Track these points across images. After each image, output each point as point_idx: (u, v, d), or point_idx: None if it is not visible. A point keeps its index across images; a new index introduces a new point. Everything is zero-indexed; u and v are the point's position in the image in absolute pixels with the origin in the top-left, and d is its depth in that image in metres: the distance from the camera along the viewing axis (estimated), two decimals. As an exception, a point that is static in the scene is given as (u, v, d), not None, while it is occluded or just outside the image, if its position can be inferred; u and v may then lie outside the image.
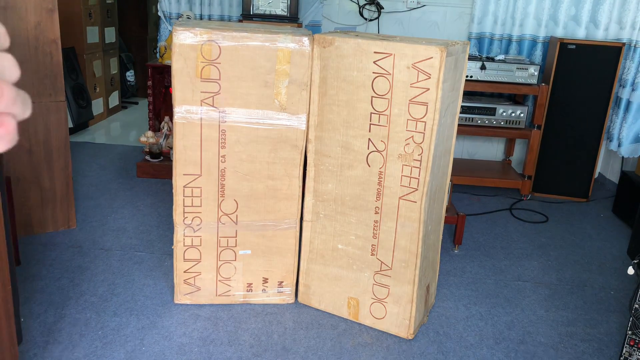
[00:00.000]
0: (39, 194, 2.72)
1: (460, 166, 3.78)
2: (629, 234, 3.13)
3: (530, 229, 3.20)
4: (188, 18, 3.81)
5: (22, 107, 0.54)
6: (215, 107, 2.01)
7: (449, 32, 3.92)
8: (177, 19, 3.95)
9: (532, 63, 3.49)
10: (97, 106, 4.96)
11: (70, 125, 4.38)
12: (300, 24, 3.57)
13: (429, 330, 2.18)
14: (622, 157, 3.74)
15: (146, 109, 4.18)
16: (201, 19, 3.97)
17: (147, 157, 3.71)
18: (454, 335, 2.17)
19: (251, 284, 2.25)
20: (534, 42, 3.75)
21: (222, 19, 3.98)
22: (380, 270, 2.10)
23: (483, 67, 3.45)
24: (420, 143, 1.91)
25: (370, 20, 3.92)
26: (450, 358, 2.03)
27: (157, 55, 4.14)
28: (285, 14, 3.51)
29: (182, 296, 2.23)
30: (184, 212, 2.11)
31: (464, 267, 2.71)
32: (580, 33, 3.64)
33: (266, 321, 2.18)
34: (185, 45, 1.92)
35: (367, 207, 2.06)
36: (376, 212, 2.05)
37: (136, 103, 5.81)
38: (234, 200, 2.12)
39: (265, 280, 2.25)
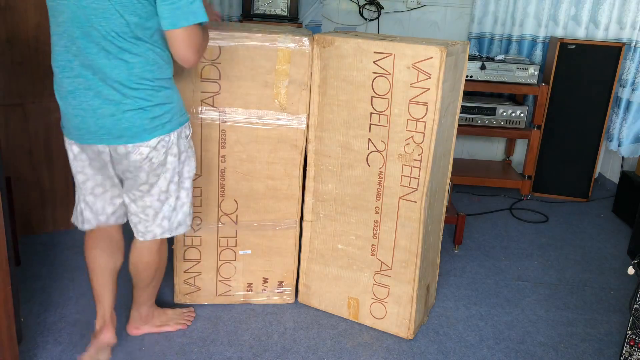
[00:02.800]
0: (39, 194, 2.72)
1: (460, 166, 3.77)
2: (629, 234, 3.13)
3: (530, 229, 3.20)
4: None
5: None
6: (215, 107, 2.01)
7: (449, 32, 3.92)
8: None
9: (532, 63, 3.48)
10: (97, 106, 4.95)
11: (70, 125, 4.38)
12: (300, 24, 3.57)
13: (429, 330, 2.18)
14: (622, 157, 3.74)
15: (146, 109, 4.18)
16: (201, 19, 3.96)
17: (147, 157, 3.71)
18: (454, 335, 2.17)
19: (251, 284, 2.25)
20: (534, 42, 3.75)
21: (221, 19, 3.98)
22: (380, 270, 2.10)
23: (483, 67, 3.45)
24: (420, 143, 1.91)
25: (370, 20, 3.92)
26: (450, 358, 2.03)
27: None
28: (285, 14, 3.51)
29: (182, 296, 2.23)
30: (184, 212, 2.11)
31: (464, 267, 2.71)
32: (580, 33, 3.64)
33: (266, 321, 2.18)
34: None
35: (367, 207, 2.06)
36: (376, 212, 2.05)
37: (136, 103, 5.80)
38: (234, 200, 2.12)
39: (265, 280, 2.25)
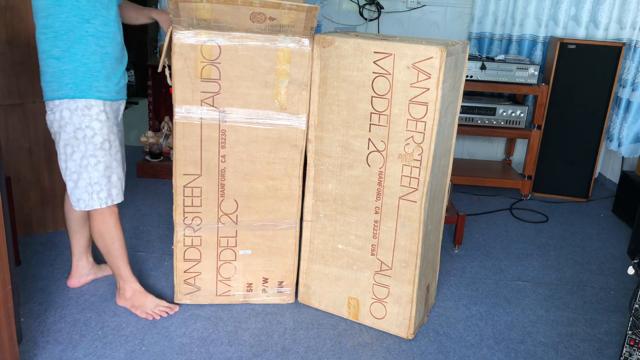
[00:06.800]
0: (39, 194, 2.72)
1: (460, 166, 3.78)
2: (629, 234, 3.13)
3: (530, 229, 3.20)
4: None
5: None
6: (215, 107, 2.01)
7: (449, 32, 3.92)
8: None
9: (532, 63, 3.49)
10: (97, 106, 4.93)
11: (70, 125, 4.37)
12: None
13: (429, 330, 2.18)
14: (622, 157, 3.74)
15: (146, 109, 4.18)
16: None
17: (147, 157, 3.72)
18: (454, 335, 2.17)
19: (251, 284, 2.25)
20: (534, 42, 3.76)
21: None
22: (380, 270, 2.10)
23: (483, 67, 3.45)
24: (420, 143, 1.91)
25: (370, 20, 3.92)
26: (451, 358, 2.03)
27: (157, 55, 4.14)
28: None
29: (182, 296, 2.23)
30: (184, 212, 2.11)
31: (464, 267, 2.71)
32: (580, 33, 3.64)
33: (266, 321, 2.18)
34: (186, 45, 1.92)
35: (367, 207, 2.06)
36: (376, 212, 2.05)
37: (136, 103, 5.81)
38: (234, 200, 2.12)
39: (265, 280, 2.25)
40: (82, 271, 2.32)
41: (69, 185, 2.01)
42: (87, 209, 2.02)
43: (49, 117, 1.96)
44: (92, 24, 1.87)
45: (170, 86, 2.00)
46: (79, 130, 1.93)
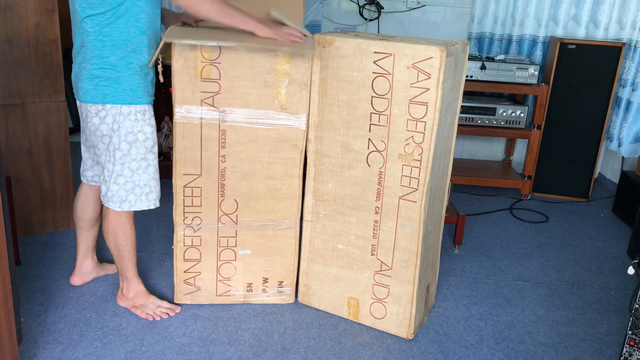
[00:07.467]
0: (39, 194, 2.72)
1: (460, 166, 3.78)
2: (629, 234, 3.13)
3: (530, 229, 3.20)
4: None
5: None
6: (215, 107, 2.01)
7: (449, 32, 3.92)
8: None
9: (532, 63, 3.48)
10: (97, 106, 4.93)
11: (70, 125, 4.37)
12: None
13: (429, 330, 2.18)
14: (622, 157, 3.74)
15: (146, 109, 4.18)
16: (201, 19, 3.96)
17: (147, 157, 3.71)
18: (454, 335, 2.17)
19: (251, 284, 2.25)
20: (534, 42, 3.75)
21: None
22: (380, 270, 2.10)
23: (483, 67, 3.45)
24: (420, 143, 1.91)
25: (370, 20, 3.92)
26: (451, 358, 2.03)
27: (157, 55, 4.13)
28: (285, 14, 3.51)
29: (182, 296, 2.23)
30: (184, 212, 2.11)
31: (464, 267, 2.71)
32: (580, 33, 3.64)
33: (266, 321, 2.18)
34: (186, 45, 1.92)
35: (367, 207, 2.06)
36: (376, 212, 2.05)
37: (136, 103, 5.79)
38: (234, 200, 2.12)
39: (265, 280, 2.25)
40: (86, 269, 2.33)
41: (113, 188, 1.99)
42: (131, 209, 2.04)
43: (94, 120, 1.93)
44: (147, 35, 1.90)
45: (169, 86, 2.00)
46: (130, 134, 1.94)
